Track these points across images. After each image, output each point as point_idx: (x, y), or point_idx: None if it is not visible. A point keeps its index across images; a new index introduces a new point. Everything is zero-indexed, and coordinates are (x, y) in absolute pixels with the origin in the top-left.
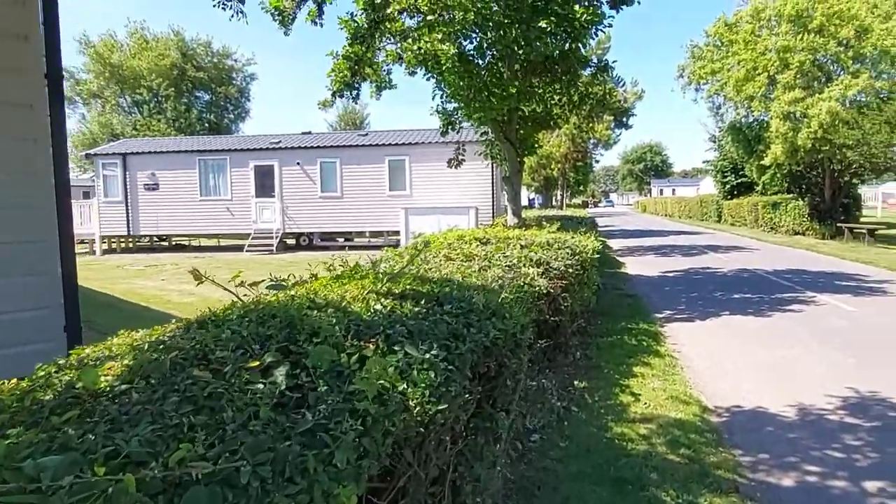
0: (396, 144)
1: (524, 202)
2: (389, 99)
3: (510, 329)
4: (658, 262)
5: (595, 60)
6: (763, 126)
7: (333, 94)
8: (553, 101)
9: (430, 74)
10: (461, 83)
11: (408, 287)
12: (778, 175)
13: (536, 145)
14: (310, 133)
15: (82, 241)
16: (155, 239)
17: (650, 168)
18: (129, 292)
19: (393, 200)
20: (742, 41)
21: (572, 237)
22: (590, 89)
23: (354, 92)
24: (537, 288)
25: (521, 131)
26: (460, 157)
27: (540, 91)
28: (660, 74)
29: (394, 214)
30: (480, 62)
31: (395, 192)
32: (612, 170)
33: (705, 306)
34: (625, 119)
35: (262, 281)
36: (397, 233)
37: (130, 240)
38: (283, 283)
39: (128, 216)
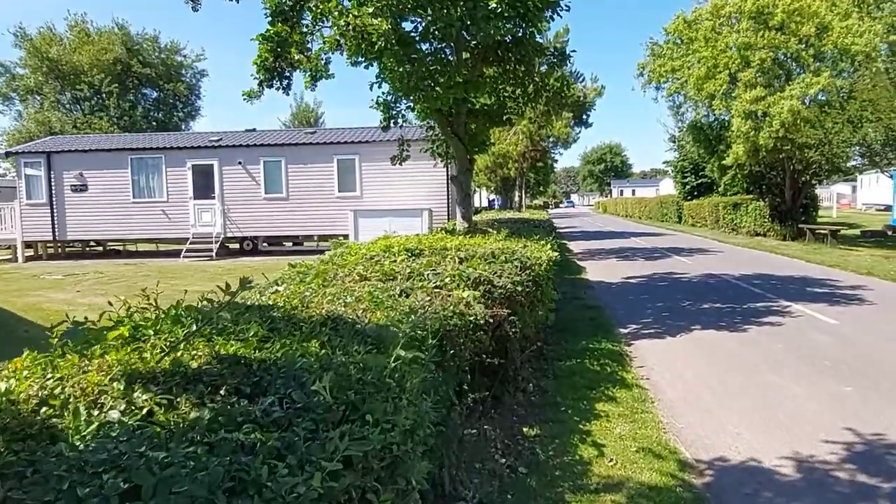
0: (346, 143)
1: (484, 203)
2: (346, 99)
3: (387, 444)
4: (620, 267)
5: (553, 50)
6: (724, 125)
7: (260, 84)
8: (506, 94)
9: (367, 62)
10: (400, 70)
11: (218, 355)
12: (739, 175)
13: (489, 142)
14: (254, 130)
15: (8, 247)
16: (88, 244)
17: (610, 169)
18: (32, 307)
19: (342, 202)
20: (702, 38)
21: (524, 246)
22: (546, 80)
23: (285, 81)
24: (473, 317)
25: (472, 126)
26: (405, 154)
27: (491, 81)
28: (619, 73)
29: (343, 217)
30: (424, 46)
31: (344, 194)
32: (573, 171)
33: (673, 319)
34: (584, 116)
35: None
36: (347, 236)
37: (58, 245)
38: None
39: (53, 220)
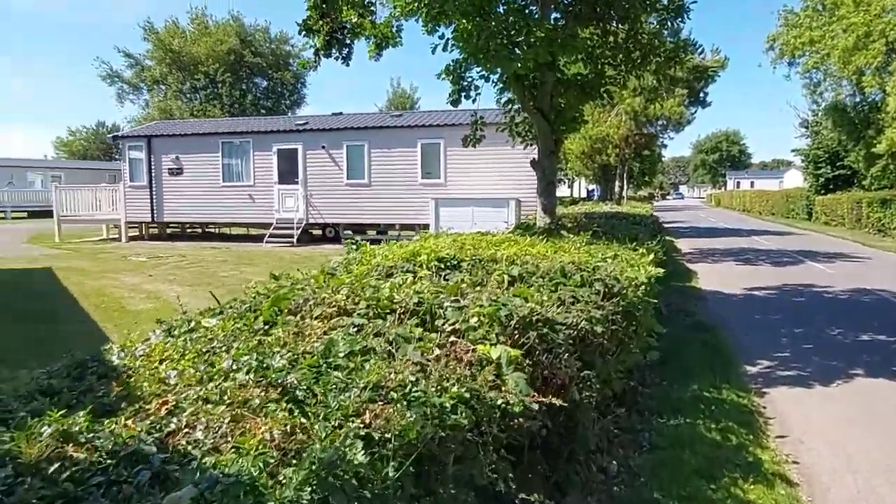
0: (430, 126)
1: (582, 193)
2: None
3: None
4: (740, 273)
5: (665, 2)
6: (875, 106)
7: (317, 52)
8: (604, 60)
9: (426, 17)
10: (469, 25)
11: None
12: (892, 166)
13: (580, 120)
14: (340, 114)
15: (115, 227)
16: (186, 226)
17: (725, 159)
18: (96, 291)
19: (425, 190)
20: (852, 2)
21: (614, 255)
22: (657, 41)
23: (345, 49)
24: (503, 403)
25: (561, 100)
26: (479, 134)
27: (586, 44)
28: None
29: (426, 205)
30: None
31: (427, 181)
32: (683, 160)
33: (822, 355)
34: (702, 94)
35: None
36: (427, 227)
37: (159, 225)
38: None
39: (152, 202)
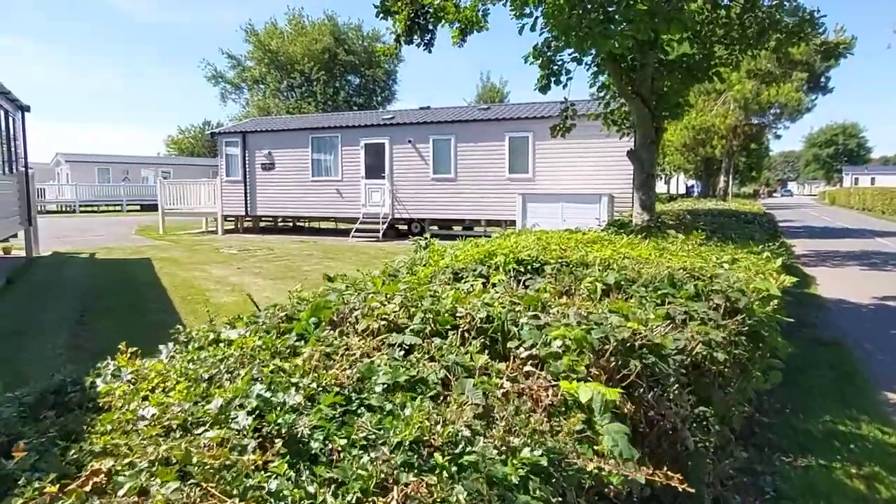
0: (519, 118)
1: (680, 189)
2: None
3: None
4: (867, 280)
5: None
6: None
7: (397, 39)
8: (715, 36)
9: (524, 4)
10: (561, 1)
11: None
12: None
13: (685, 106)
14: (428, 108)
15: (214, 220)
16: (278, 220)
17: (842, 153)
18: (184, 282)
19: (512, 185)
20: None
21: (732, 261)
22: (776, 15)
23: (427, 36)
24: (597, 470)
25: (664, 84)
26: (568, 123)
27: (693, 18)
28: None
29: (512, 201)
30: None
31: (515, 175)
32: (793, 155)
33: None
34: (824, 79)
35: None
36: (514, 223)
37: (250, 220)
38: None
39: (246, 196)
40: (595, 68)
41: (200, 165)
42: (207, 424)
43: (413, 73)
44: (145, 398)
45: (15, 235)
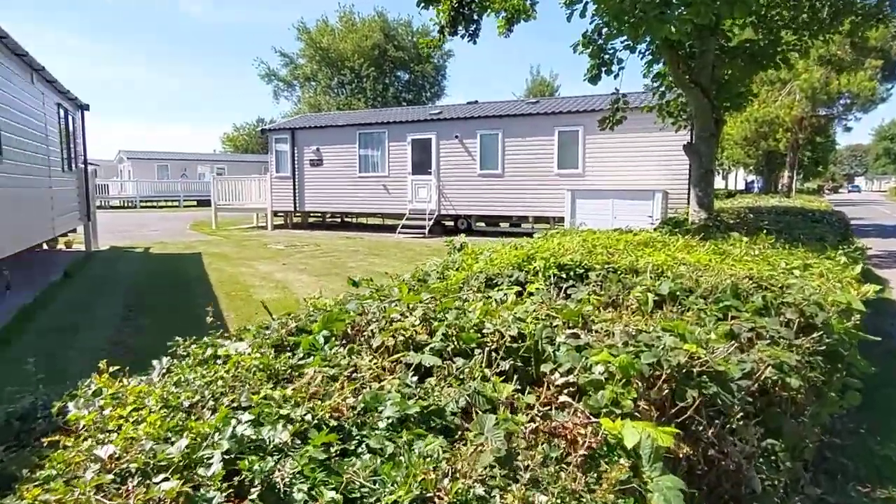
0: (569, 112)
1: (739, 185)
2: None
3: None
4: None
5: None
6: None
7: (442, 31)
8: (782, 20)
9: None
10: None
11: None
12: None
13: (748, 96)
14: (475, 103)
15: (265, 215)
16: (326, 216)
17: None
18: (231, 278)
19: (561, 181)
20: None
21: (804, 267)
22: None
23: (472, 26)
24: None
25: (725, 71)
26: (619, 115)
27: (758, 0)
28: None
29: (561, 197)
30: None
31: (564, 171)
32: (861, 149)
33: None
34: None
35: None
36: (563, 220)
37: (299, 215)
38: None
39: (294, 192)
40: (649, 56)
41: (253, 162)
42: (169, 470)
43: (462, 69)
44: (114, 430)
45: (74, 230)
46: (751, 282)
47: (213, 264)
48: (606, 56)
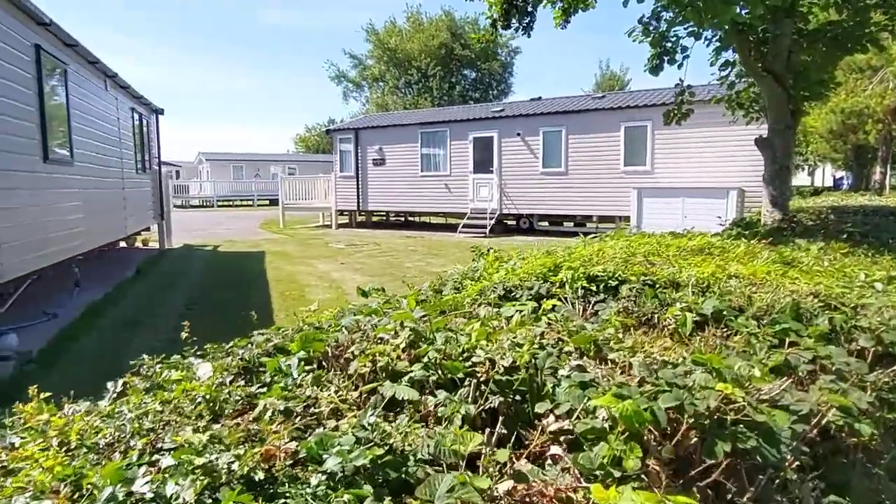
0: (636, 107)
1: (827, 181)
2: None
3: None
4: None
5: None
6: None
7: (494, 24)
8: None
9: None
10: None
11: None
12: None
13: (830, 84)
14: (539, 99)
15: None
16: (389, 215)
17: None
18: (288, 276)
19: (627, 178)
20: None
21: (888, 281)
22: None
23: (526, 19)
24: None
25: (804, 57)
26: (684, 109)
27: None
28: None
29: (627, 196)
30: None
31: (631, 168)
32: None
33: None
34: None
35: None
36: (629, 219)
37: (363, 214)
38: None
39: (358, 191)
40: (717, 43)
41: (323, 162)
42: None
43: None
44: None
45: (148, 229)
46: (816, 300)
47: (273, 263)
48: (669, 44)
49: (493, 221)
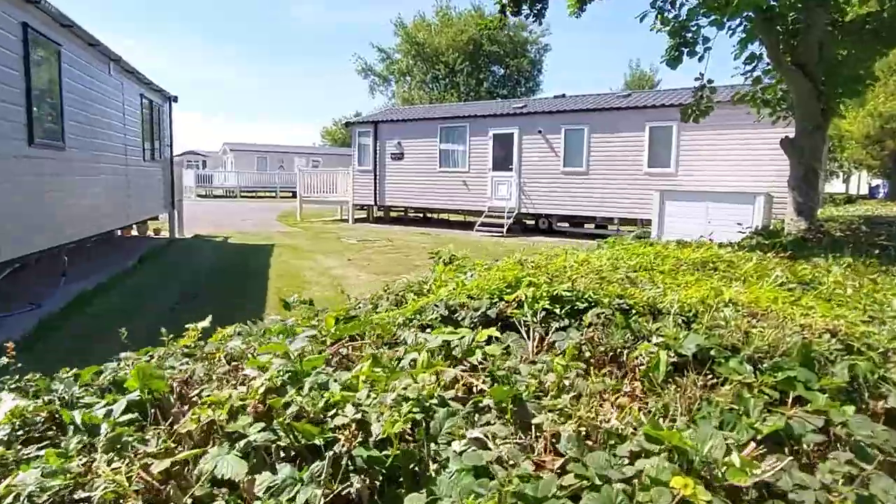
0: (662, 106)
1: (862, 189)
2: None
3: None
4: None
5: None
6: None
7: (503, 9)
8: None
9: None
10: None
11: None
12: None
13: (866, 81)
14: (563, 96)
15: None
16: (407, 210)
17: None
18: (293, 272)
19: (650, 180)
20: None
21: None
22: None
23: (537, 6)
24: None
25: (838, 52)
26: (703, 105)
27: None
28: None
29: (650, 198)
30: None
31: (654, 170)
32: None
33: None
34: None
35: None
36: (650, 222)
37: (381, 209)
38: None
39: (375, 185)
40: (742, 34)
41: (347, 155)
42: None
43: (559, 63)
44: None
45: (156, 217)
46: (834, 339)
47: (280, 257)
48: (689, 34)
49: (511, 221)
